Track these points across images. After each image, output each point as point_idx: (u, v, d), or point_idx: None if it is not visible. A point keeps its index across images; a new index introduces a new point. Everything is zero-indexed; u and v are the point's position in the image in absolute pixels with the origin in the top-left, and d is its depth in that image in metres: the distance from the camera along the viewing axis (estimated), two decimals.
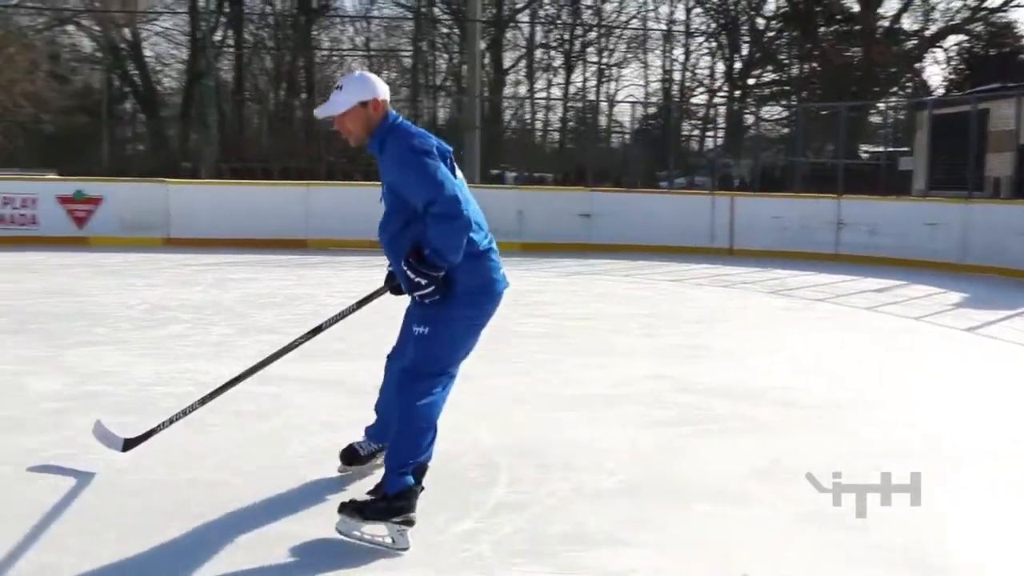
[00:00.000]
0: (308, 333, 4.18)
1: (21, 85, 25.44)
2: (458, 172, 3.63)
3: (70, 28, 32.11)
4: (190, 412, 4.19)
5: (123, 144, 32.87)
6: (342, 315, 4.14)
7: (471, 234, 3.53)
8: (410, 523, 3.44)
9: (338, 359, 6.40)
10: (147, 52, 33.91)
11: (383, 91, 3.69)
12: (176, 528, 3.54)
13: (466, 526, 3.60)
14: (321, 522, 3.56)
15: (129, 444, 4.21)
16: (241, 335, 7.50)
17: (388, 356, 3.98)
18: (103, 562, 3.24)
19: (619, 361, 6.87)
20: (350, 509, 3.47)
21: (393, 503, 3.45)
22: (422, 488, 3.57)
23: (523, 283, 11.48)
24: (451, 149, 3.65)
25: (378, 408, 4.04)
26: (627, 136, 33.72)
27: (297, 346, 4.21)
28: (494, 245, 3.71)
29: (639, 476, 4.27)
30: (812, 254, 14.99)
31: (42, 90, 26.34)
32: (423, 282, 3.49)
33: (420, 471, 3.58)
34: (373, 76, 3.75)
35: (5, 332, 7.53)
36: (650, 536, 3.59)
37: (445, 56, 35.84)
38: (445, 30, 35.48)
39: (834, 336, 8.54)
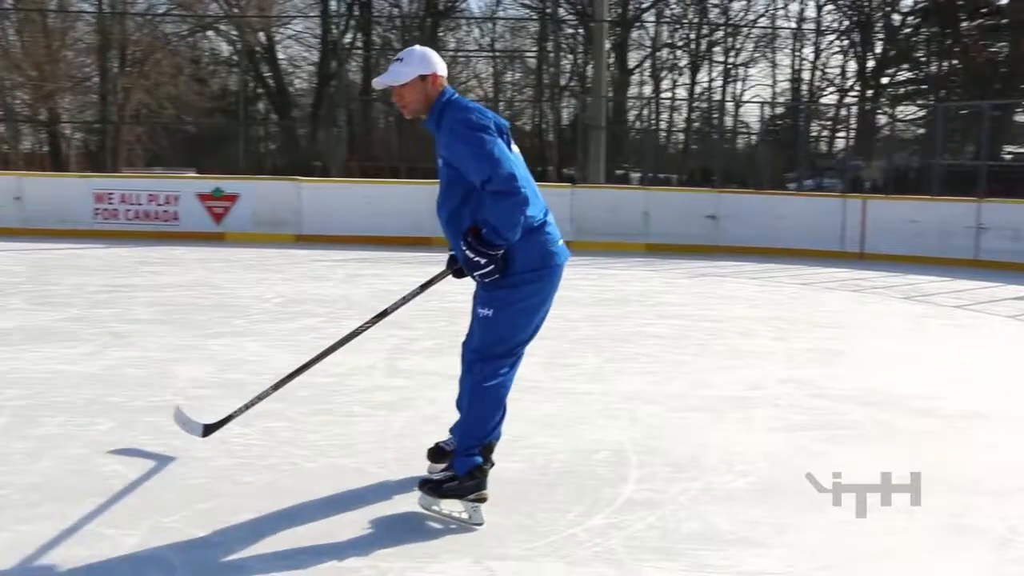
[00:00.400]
0: (374, 318, 4.19)
1: (166, 88, 26.63)
2: (514, 147, 3.64)
3: (210, 34, 33.42)
4: (264, 398, 4.26)
5: (257, 143, 33.95)
6: (405, 300, 4.15)
7: (527, 209, 3.53)
8: (483, 499, 3.59)
9: None
10: (280, 55, 35.03)
11: (442, 67, 3.74)
12: (309, 508, 3.69)
13: (597, 521, 3.62)
14: (453, 509, 3.64)
15: (209, 429, 4.23)
16: (373, 329, 7.66)
17: (463, 343, 3.97)
18: (226, 535, 3.41)
19: (749, 364, 6.78)
20: (427, 487, 3.64)
21: (464, 483, 3.60)
22: (491, 465, 3.71)
23: (649, 284, 11.45)
24: (508, 124, 3.67)
25: (459, 404, 4.01)
26: (754, 137, 33.08)
27: (363, 332, 4.23)
28: (550, 218, 3.72)
29: (770, 478, 4.22)
30: (949, 259, 14.41)
31: (184, 93, 27.50)
32: (482, 261, 3.53)
33: (488, 449, 3.70)
34: (432, 51, 3.79)
35: (153, 322, 7.92)
36: (781, 539, 3.55)
37: (570, 56, 35.83)
38: (570, 30, 35.49)
39: (974, 344, 8.23)
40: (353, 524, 3.57)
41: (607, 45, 29.95)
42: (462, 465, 3.64)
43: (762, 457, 4.51)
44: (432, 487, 3.65)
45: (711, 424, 5.10)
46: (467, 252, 3.55)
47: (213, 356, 6.56)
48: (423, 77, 3.68)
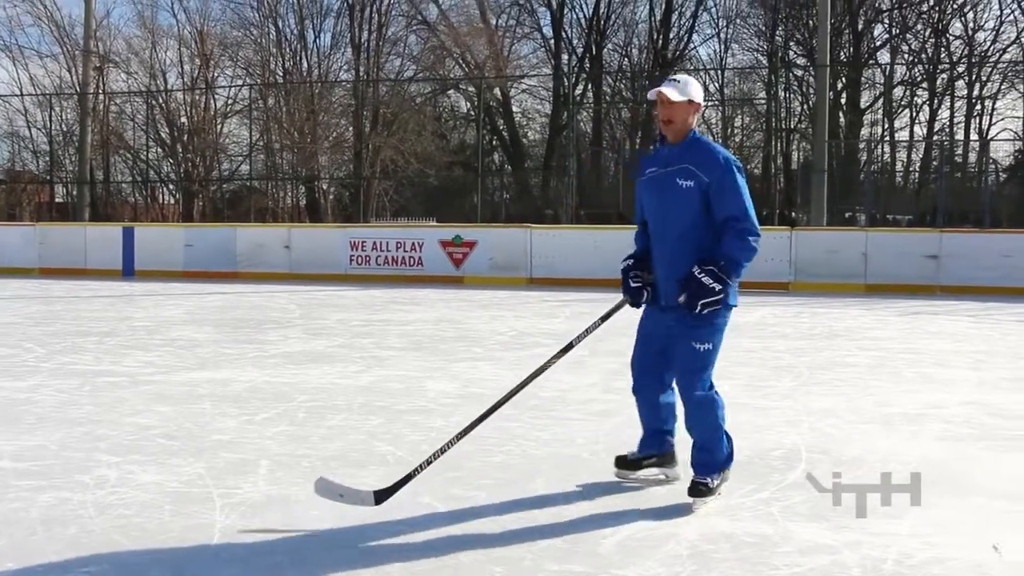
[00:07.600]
0: (559, 352, 4.55)
1: (411, 145, 29.13)
2: None
3: (450, 93, 36.03)
4: (447, 451, 4.30)
5: (491, 193, 36.06)
6: (588, 331, 4.47)
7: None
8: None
9: None
10: (514, 108, 37.19)
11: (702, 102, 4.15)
12: (535, 478, 4.71)
13: (763, 495, 4.43)
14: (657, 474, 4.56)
15: (380, 497, 4.10)
16: (593, 356, 8.71)
17: (638, 388, 4.52)
18: (470, 494, 4.47)
19: (936, 389, 7.28)
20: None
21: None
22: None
23: (860, 321, 11.89)
24: None
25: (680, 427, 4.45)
26: (1003, 174, 31.82)
27: (550, 366, 4.54)
28: None
29: (924, 474, 4.83)
30: None
31: (427, 148, 29.94)
32: (717, 287, 3.87)
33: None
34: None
35: (405, 349, 9.32)
36: (915, 511, 4.17)
37: (800, 98, 35.85)
38: (800, 72, 35.56)
39: None
40: (575, 490, 4.57)
41: (839, 85, 29.82)
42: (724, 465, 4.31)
43: (920, 458, 5.14)
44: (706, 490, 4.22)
45: (882, 434, 5.74)
46: (706, 278, 3.86)
47: (457, 375, 7.79)
48: (693, 104, 4.04)
